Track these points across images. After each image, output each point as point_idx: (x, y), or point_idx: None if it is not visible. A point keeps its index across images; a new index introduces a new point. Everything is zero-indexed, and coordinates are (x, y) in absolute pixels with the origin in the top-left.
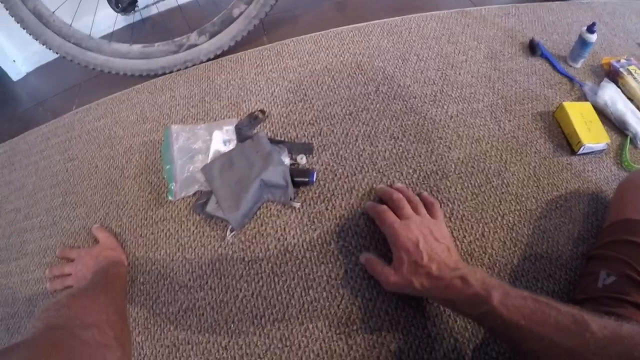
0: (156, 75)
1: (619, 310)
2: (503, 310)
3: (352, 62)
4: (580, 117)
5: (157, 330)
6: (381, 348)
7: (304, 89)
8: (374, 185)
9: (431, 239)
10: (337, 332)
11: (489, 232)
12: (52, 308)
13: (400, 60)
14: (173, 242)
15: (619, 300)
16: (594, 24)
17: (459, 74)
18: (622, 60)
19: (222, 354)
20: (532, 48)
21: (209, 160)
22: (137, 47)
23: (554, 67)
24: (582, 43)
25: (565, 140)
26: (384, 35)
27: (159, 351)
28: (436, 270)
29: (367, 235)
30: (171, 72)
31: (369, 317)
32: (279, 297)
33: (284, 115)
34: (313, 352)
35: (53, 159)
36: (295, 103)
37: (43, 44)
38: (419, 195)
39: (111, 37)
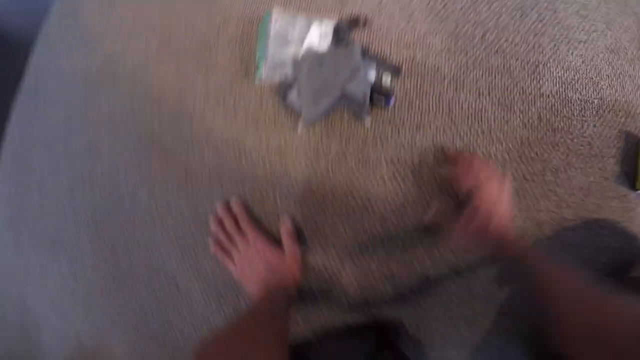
0: None
1: None
2: (536, 262)
3: None
4: None
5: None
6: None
7: (411, 6)
8: (444, 131)
9: (503, 203)
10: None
11: (518, 218)
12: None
13: (519, 13)
14: (249, 117)
15: None
16: None
17: (572, 53)
18: None
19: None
20: None
21: (301, 52)
22: None
23: None
24: None
25: (634, 173)
26: None
27: None
28: (503, 228)
29: (417, 172)
30: None
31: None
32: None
33: (385, 28)
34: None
35: (152, 4)
36: (399, 19)
37: None
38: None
39: None
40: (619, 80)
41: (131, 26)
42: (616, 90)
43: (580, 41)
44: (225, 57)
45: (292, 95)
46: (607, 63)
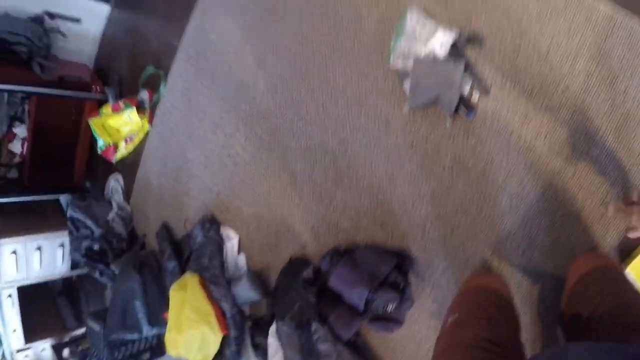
0: None
1: None
2: None
3: None
4: None
5: None
6: None
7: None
8: (500, 154)
9: None
10: None
11: None
12: None
13: None
14: (374, 87)
15: None
16: None
17: None
18: None
19: None
20: None
21: (423, 52)
22: None
23: None
24: None
25: None
26: None
27: None
28: None
29: (468, 173)
30: None
31: None
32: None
33: (495, 50)
34: None
35: None
36: (509, 43)
37: None
38: None
39: None
40: None
41: None
42: None
43: None
44: (371, 28)
45: (407, 83)
46: None
